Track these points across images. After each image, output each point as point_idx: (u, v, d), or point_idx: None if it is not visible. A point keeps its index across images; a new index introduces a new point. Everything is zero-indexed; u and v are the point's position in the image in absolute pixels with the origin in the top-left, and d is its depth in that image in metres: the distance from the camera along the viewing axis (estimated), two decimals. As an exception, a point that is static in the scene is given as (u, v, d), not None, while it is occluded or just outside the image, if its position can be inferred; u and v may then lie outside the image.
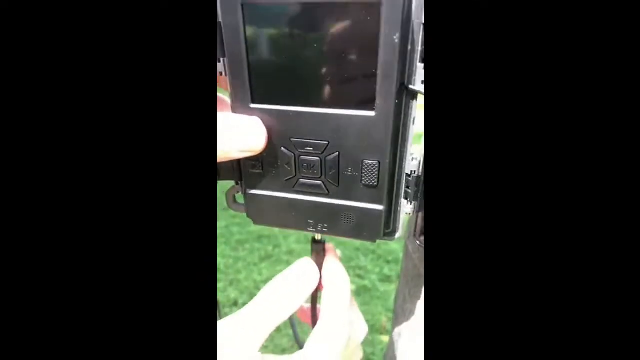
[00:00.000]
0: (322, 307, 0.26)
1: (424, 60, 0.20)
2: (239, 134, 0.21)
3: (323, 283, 0.27)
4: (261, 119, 0.22)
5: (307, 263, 0.27)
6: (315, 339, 0.25)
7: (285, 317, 0.24)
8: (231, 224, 1.84)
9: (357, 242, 1.64)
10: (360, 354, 0.30)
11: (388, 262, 1.60)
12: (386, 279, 1.52)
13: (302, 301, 0.25)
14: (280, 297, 0.25)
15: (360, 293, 1.45)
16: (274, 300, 0.24)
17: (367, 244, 1.65)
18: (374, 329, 1.31)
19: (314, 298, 0.30)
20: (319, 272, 0.27)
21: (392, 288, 1.48)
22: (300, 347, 0.25)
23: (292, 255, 1.65)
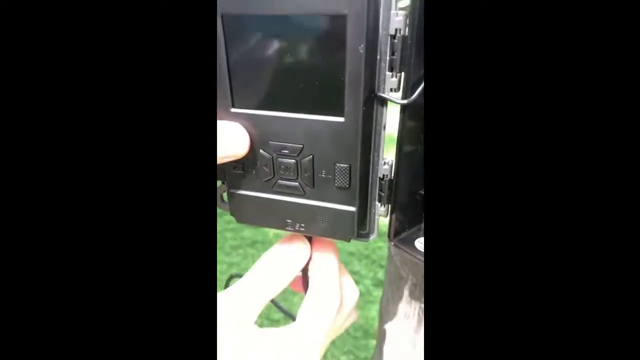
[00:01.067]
0: (310, 275, 0.27)
1: (391, 68, 0.20)
2: (223, 140, 0.22)
3: (312, 253, 0.28)
4: (240, 123, 0.23)
5: (298, 237, 0.27)
6: (306, 307, 0.25)
7: (279, 289, 0.25)
8: (225, 230, 1.84)
9: (352, 247, 1.64)
10: (355, 316, 0.31)
11: (382, 266, 1.61)
12: (380, 283, 1.52)
13: (294, 274, 0.26)
14: (274, 270, 0.25)
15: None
16: (268, 274, 0.25)
17: (361, 248, 1.65)
18: (369, 333, 1.31)
19: (305, 268, 0.31)
20: (309, 245, 0.27)
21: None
22: (293, 319, 0.26)
23: (286, 261, 1.65)
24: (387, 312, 0.38)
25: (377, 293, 1.47)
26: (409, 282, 0.33)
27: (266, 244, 1.75)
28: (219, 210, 0.28)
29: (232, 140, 0.23)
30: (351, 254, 1.66)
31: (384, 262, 1.62)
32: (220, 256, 1.69)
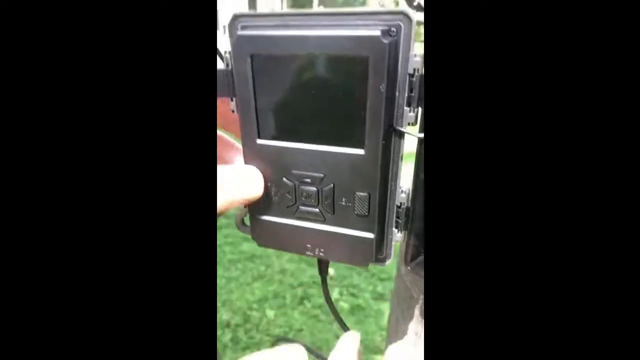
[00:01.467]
0: None
1: (409, 104, 0.22)
2: (241, 185, 0.24)
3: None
4: (266, 152, 0.25)
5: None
6: None
7: None
8: (223, 244, 1.83)
9: (350, 260, 1.64)
10: None
11: (381, 279, 1.61)
12: (380, 297, 1.52)
13: None
14: None
15: (354, 312, 1.45)
16: None
17: (360, 261, 1.65)
18: (369, 348, 1.31)
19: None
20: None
21: (385, 306, 1.48)
22: None
23: (285, 275, 1.65)
24: (396, 331, 0.39)
25: (377, 307, 1.47)
26: (421, 302, 0.34)
27: (264, 258, 1.75)
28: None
29: (249, 183, 0.25)
30: (350, 267, 1.67)
31: (383, 275, 1.63)
32: (218, 271, 1.68)
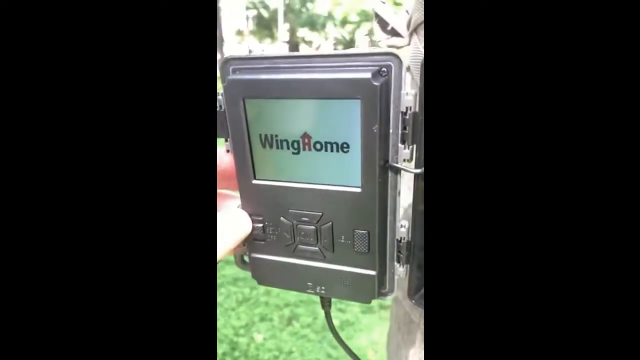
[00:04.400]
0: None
1: (404, 141, 0.22)
2: (231, 231, 0.24)
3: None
4: (262, 192, 0.24)
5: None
6: None
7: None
8: (204, 269, 1.78)
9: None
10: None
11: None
12: (368, 310, 1.51)
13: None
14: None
15: (344, 327, 1.43)
16: None
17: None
18: (361, 363, 1.29)
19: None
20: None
21: (374, 319, 1.47)
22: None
23: (270, 296, 1.61)
24: (397, 357, 0.39)
25: (366, 321, 1.47)
26: (422, 328, 0.34)
27: (248, 280, 1.71)
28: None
29: (238, 226, 0.25)
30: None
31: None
32: (201, 298, 1.63)
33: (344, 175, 0.22)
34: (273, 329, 1.46)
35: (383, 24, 0.44)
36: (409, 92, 0.21)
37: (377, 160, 0.21)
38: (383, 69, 0.20)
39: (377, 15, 0.45)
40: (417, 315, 0.34)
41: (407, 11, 0.40)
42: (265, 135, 0.23)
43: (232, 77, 0.22)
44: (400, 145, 0.22)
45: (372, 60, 0.21)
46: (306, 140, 0.22)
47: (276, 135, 0.23)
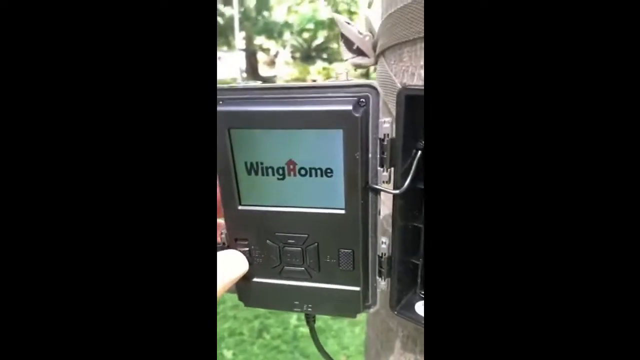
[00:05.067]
0: None
1: (382, 165, 0.23)
2: (227, 268, 0.25)
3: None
4: (248, 217, 0.25)
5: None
6: None
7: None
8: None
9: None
10: None
11: (336, 298, 1.62)
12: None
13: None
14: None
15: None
16: None
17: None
18: (334, 370, 1.30)
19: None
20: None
21: (345, 324, 1.49)
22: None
23: (239, 309, 1.58)
24: (377, 363, 0.40)
25: (337, 326, 1.48)
26: (400, 335, 0.35)
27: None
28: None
29: (234, 266, 0.25)
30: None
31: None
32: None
33: (328, 198, 0.24)
34: (243, 343, 1.43)
35: (348, 43, 0.46)
36: (386, 121, 0.22)
37: (359, 183, 0.23)
38: (362, 99, 0.22)
39: (342, 36, 0.47)
40: (395, 324, 0.36)
41: (370, 31, 0.43)
42: (251, 163, 0.24)
43: (219, 108, 0.23)
44: (379, 168, 0.23)
45: (351, 92, 0.22)
46: (291, 167, 0.23)
47: (261, 163, 0.23)
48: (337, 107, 0.21)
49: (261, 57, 10.17)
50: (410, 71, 0.30)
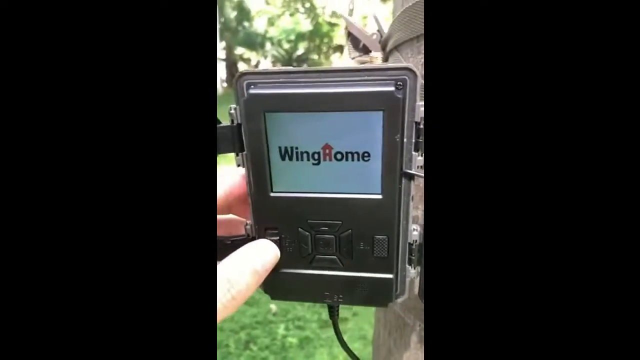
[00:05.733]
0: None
1: (417, 149, 0.23)
2: (261, 261, 0.24)
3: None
4: (280, 205, 0.24)
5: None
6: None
7: None
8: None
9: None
10: None
11: (324, 306, 1.60)
12: (325, 324, 1.51)
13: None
14: None
15: (304, 345, 1.41)
16: None
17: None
18: (324, 379, 1.28)
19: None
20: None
21: (333, 333, 1.47)
22: None
23: (224, 320, 1.54)
24: (389, 361, 0.40)
25: (325, 335, 1.46)
26: (418, 329, 0.35)
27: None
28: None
29: (266, 255, 0.24)
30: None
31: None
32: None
33: (364, 183, 0.23)
34: (229, 356, 1.39)
35: (355, 42, 0.47)
36: (422, 104, 0.23)
37: (397, 168, 0.22)
38: (399, 82, 0.22)
39: (349, 34, 0.47)
40: (412, 318, 0.36)
41: (378, 31, 0.43)
42: (285, 148, 0.23)
43: (253, 91, 0.22)
44: (414, 153, 0.23)
45: (389, 75, 0.22)
46: (327, 151, 0.23)
47: (296, 148, 0.23)
48: (379, 88, 0.21)
49: (242, 67, 10.17)
50: (431, 63, 0.30)
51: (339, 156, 0.23)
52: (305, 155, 0.23)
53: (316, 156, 0.23)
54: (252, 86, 0.23)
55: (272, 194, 0.24)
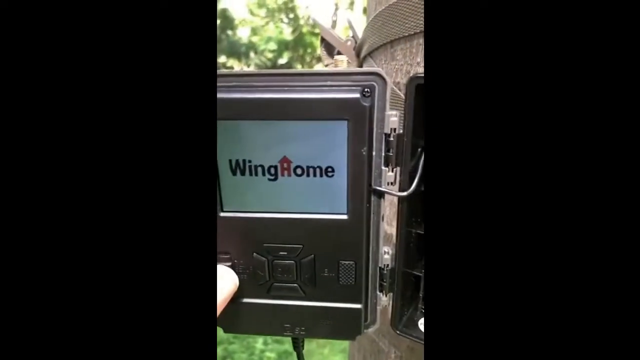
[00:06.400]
0: None
1: (387, 164, 0.21)
2: (222, 287, 0.22)
3: None
4: (232, 226, 0.22)
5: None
6: None
7: None
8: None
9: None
10: None
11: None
12: (285, 354, 1.47)
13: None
14: None
15: (282, 359, 1.37)
16: None
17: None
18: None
19: None
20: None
21: (313, 346, 1.43)
22: None
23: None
24: (364, 389, 0.37)
25: (306, 348, 1.42)
26: (393, 356, 0.32)
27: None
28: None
29: (226, 283, 0.22)
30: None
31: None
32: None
33: (328, 202, 0.21)
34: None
35: (329, 48, 0.44)
36: (393, 114, 0.20)
37: (365, 185, 0.20)
38: (366, 89, 0.20)
39: (323, 40, 0.45)
40: (387, 344, 0.33)
41: (353, 37, 0.41)
42: (237, 161, 0.20)
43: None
44: (383, 167, 0.21)
45: (356, 80, 0.20)
46: (285, 165, 0.20)
47: (249, 161, 0.20)
48: (343, 95, 0.19)
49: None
50: (405, 69, 0.28)
51: (298, 171, 0.20)
52: (260, 169, 0.20)
53: (273, 171, 0.20)
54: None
55: (222, 214, 0.21)
